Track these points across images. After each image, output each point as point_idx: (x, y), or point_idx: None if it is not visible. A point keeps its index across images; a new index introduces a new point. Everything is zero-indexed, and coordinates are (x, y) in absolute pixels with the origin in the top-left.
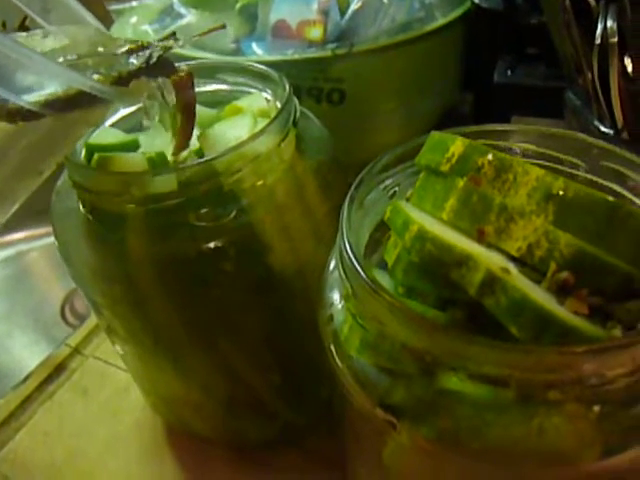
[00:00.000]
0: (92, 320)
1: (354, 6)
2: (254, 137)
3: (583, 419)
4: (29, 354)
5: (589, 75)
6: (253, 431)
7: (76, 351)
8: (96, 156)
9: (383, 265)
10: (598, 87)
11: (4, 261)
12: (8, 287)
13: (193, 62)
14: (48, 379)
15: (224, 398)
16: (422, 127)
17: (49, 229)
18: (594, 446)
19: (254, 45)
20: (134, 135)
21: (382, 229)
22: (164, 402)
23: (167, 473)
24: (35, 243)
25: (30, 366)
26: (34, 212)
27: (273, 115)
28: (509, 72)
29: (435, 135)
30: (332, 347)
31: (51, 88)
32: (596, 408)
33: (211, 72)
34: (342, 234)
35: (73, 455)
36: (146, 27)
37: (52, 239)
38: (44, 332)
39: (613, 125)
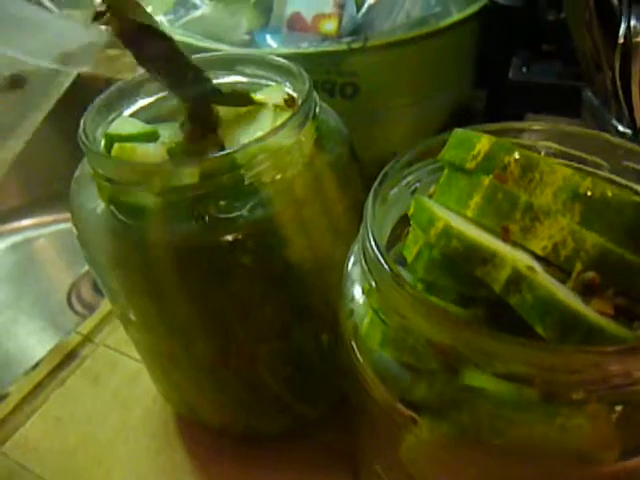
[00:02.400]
0: (103, 309)
1: (370, 0)
2: (276, 130)
3: (605, 420)
4: (35, 341)
5: (609, 74)
6: (264, 423)
7: (87, 339)
8: (116, 146)
9: (400, 261)
10: (619, 86)
11: (11, 248)
12: (15, 274)
13: (212, 54)
14: (60, 366)
15: (236, 389)
16: (434, 123)
17: (57, 216)
18: (614, 446)
19: (268, 37)
20: (154, 126)
21: (400, 225)
22: (176, 391)
23: (177, 462)
24: (43, 230)
25: (36, 353)
26: (42, 199)
27: (293, 109)
28: (524, 69)
29: (459, 132)
30: (352, 342)
31: None
32: (618, 408)
33: (230, 64)
34: (367, 228)
35: (84, 441)
36: (161, 17)
37: (61, 226)
38: (50, 319)
39: (632, 125)
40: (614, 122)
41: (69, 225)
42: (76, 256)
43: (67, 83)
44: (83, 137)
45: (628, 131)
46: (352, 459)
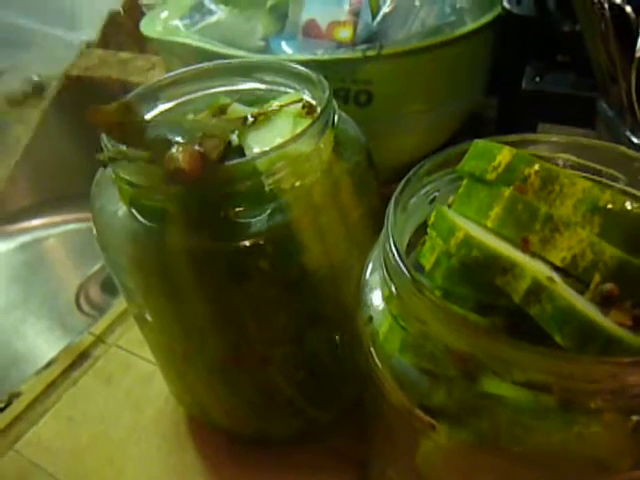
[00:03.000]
0: (115, 309)
1: (385, 9)
2: (296, 138)
3: (621, 428)
4: (43, 341)
5: (624, 86)
6: (276, 426)
7: (99, 339)
8: None
9: (417, 268)
10: (634, 99)
11: (21, 247)
12: (24, 274)
13: (231, 61)
14: (72, 365)
15: (249, 392)
16: (447, 130)
17: (67, 216)
18: (630, 455)
19: (283, 44)
20: None
21: (417, 233)
22: (188, 393)
23: (188, 463)
24: (52, 230)
25: (44, 352)
26: (52, 199)
27: (313, 116)
28: (538, 79)
29: (479, 143)
30: (371, 347)
31: None
32: (635, 418)
33: (249, 71)
34: (388, 235)
35: (96, 441)
36: (177, 22)
37: (71, 227)
38: (59, 319)
39: None
40: (628, 134)
41: (78, 225)
42: (85, 257)
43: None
44: (106, 141)
45: None
46: (363, 464)
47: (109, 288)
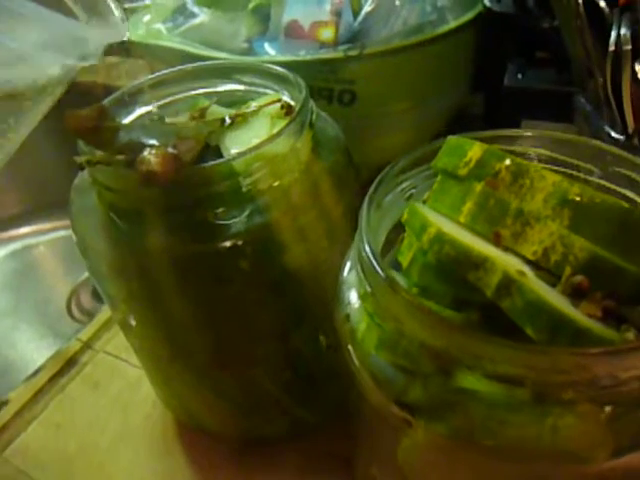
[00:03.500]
0: (102, 315)
1: (367, 8)
2: (273, 138)
3: (595, 419)
4: (35, 348)
5: (601, 81)
6: (263, 428)
7: (87, 346)
8: None
9: (395, 266)
10: (610, 93)
11: (11, 255)
12: (15, 281)
13: (210, 62)
14: (60, 372)
15: (235, 394)
16: (432, 128)
17: (56, 224)
18: (605, 446)
19: (266, 45)
20: None
21: (395, 231)
22: (175, 397)
23: (176, 467)
24: (42, 237)
25: (37, 360)
26: (41, 206)
27: (291, 116)
28: (519, 76)
29: (452, 139)
30: (349, 346)
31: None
32: (608, 409)
33: (227, 72)
34: (361, 234)
35: (84, 447)
36: (159, 25)
37: (60, 234)
38: (50, 326)
39: (624, 131)
40: (607, 128)
41: (68, 232)
42: (75, 263)
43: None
44: (82, 145)
45: (620, 137)
46: (350, 463)
47: (100, 295)
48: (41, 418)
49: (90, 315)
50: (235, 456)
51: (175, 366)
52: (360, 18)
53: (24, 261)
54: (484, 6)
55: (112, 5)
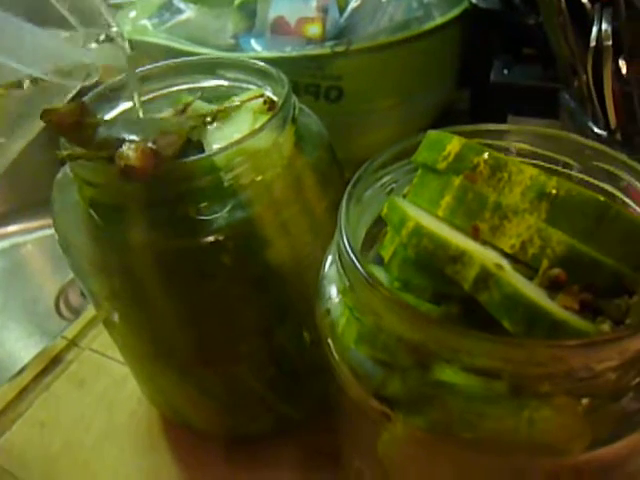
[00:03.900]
0: (88, 313)
1: (353, 4)
2: (254, 133)
3: (572, 412)
4: (23, 347)
5: (584, 77)
6: (249, 424)
7: (72, 343)
8: None
9: (379, 261)
10: (592, 89)
11: None
12: (3, 280)
13: (193, 58)
14: (44, 371)
15: (219, 391)
16: (419, 124)
17: (44, 222)
18: (582, 438)
19: (253, 41)
20: None
21: (379, 226)
22: (160, 394)
23: (162, 464)
24: (30, 236)
25: (24, 358)
26: (29, 204)
27: (272, 112)
28: (505, 72)
29: (432, 134)
30: (329, 340)
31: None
32: (585, 401)
33: (211, 68)
34: (340, 229)
35: (69, 446)
36: (145, 21)
37: (47, 232)
38: (38, 325)
39: (607, 126)
40: (590, 124)
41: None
42: (63, 262)
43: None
44: (64, 141)
45: (604, 132)
46: (337, 459)
47: None
48: (26, 417)
49: (79, 314)
50: (221, 453)
51: (159, 363)
52: (346, 14)
53: (12, 260)
54: (470, 2)
55: (110, 19)
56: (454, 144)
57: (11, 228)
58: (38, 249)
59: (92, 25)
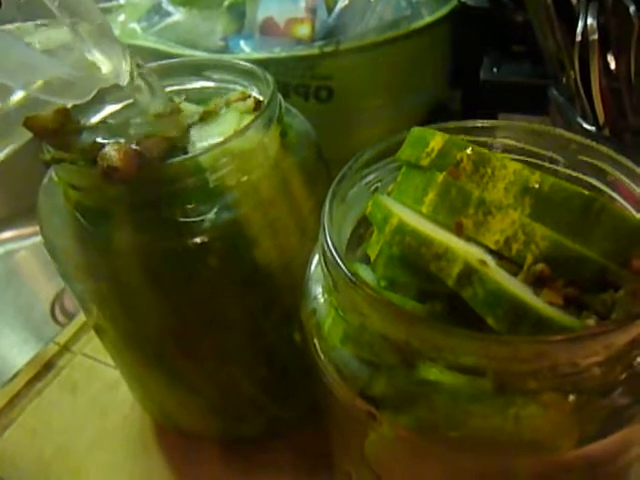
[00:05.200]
0: (81, 318)
1: (341, 4)
2: (239, 133)
3: (559, 408)
4: (18, 352)
5: (571, 72)
6: (240, 427)
7: (65, 348)
8: None
9: (366, 260)
10: (580, 84)
11: None
12: None
13: (179, 59)
14: (37, 376)
15: (210, 393)
16: (410, 124)
17: (37, 228)
18: (570, 435)
19: (242, 43)
20: None
21: (366, 224)
22: (152, 398)
23: (155, 469)
24: (24, 242)
25: (18, 365)
26: (23, 210)
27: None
28: (495, 69)
29: (415, 131)
30: (315, 340)
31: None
32: (571, 397)
33: (197, 69)
34: (324, 229)
35: (61, 451)
36: (134, 25)
37: (40, 238)
38: (34, 331)
39: (595, 122)
40: (579, 119)
41: None
42: None
43: None
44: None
45: (592, 128)
46: (329, 459)
47: None
48: (18, 423)
49: (74, 319)
50: (213, 456)
51: (148, 367)
52: (335, 14)
53: (6, 266)
54: (459, 1)
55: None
56: (437, 140)
57: (5, 234)
58: (33, 255)
59: (82, 20)
